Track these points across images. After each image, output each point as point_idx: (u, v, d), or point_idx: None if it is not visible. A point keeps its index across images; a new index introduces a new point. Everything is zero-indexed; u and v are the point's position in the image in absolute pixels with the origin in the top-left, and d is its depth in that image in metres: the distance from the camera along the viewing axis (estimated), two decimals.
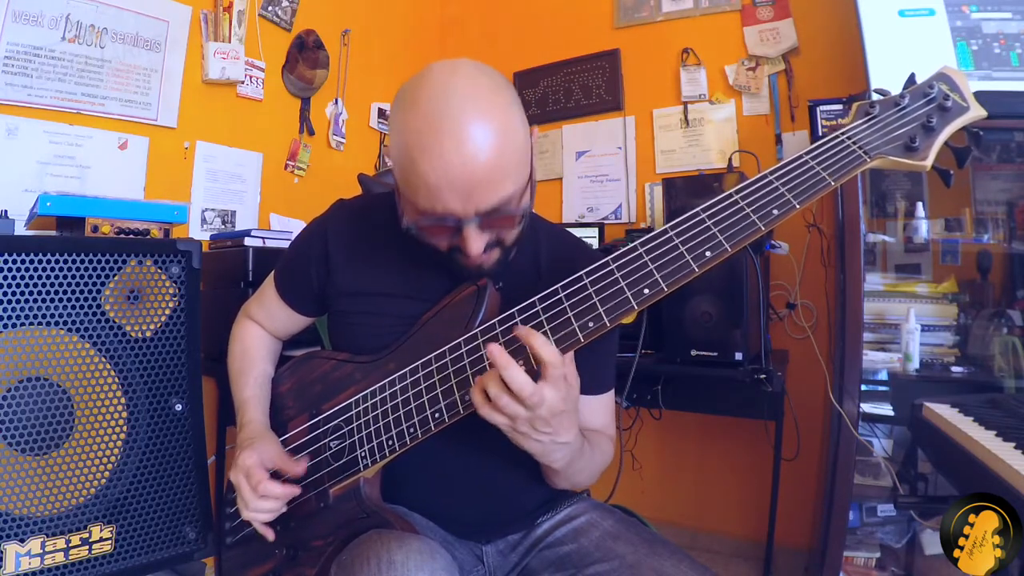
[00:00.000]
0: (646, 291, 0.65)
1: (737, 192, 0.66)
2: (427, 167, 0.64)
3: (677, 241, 0.66)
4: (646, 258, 0.66)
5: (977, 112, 0.68)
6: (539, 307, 0.69)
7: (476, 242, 0.69)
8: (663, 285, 0.64)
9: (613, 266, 0.67)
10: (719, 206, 0.66)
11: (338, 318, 0.88)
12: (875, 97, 0.72)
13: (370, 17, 2.41)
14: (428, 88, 0.66)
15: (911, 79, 0.71)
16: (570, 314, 0.67)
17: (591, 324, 0.66)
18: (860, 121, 0.69)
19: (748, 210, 0.65)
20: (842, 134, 0.68)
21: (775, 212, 0.64)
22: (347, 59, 2.30)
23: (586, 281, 0.67)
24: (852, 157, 0.66)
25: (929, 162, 0.66)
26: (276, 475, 0.79)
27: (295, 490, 0.77)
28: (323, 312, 0.94)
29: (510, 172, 0.67)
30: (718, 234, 0.65)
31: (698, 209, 0.66)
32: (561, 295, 0.68)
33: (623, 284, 0.66)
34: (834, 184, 0.65)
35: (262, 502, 0.76)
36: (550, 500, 0.90)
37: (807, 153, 0.67)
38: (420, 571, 0.63)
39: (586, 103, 2.43)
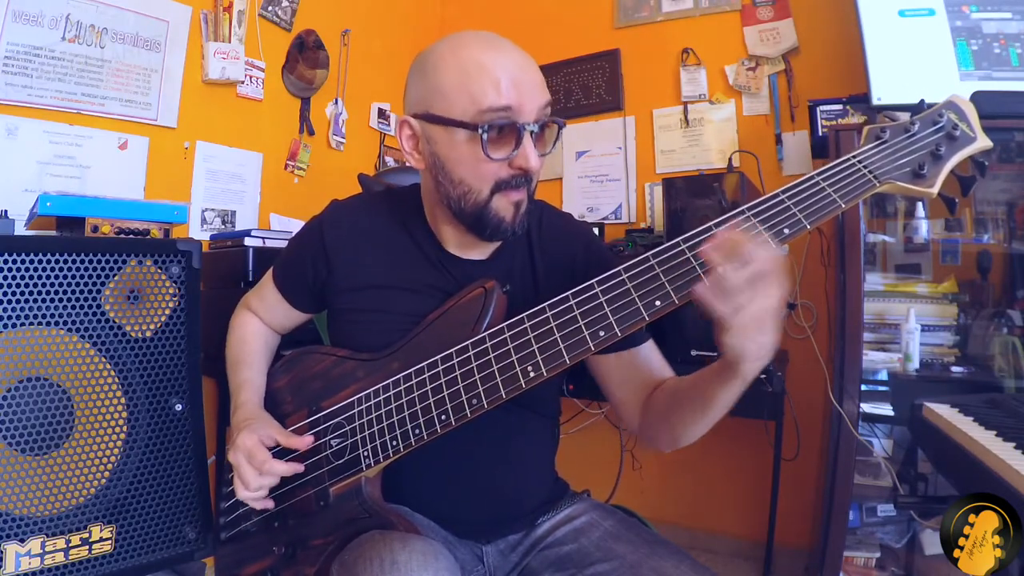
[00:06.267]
0: (657, 303, 0.65)
1: (750, 209, 0.66)
2: (494, 67, 0.73)
3: (689, 255, 0.66)
4: (658, 270, 0.66)
5: (984, 143, 0.69)
6: (549, 313, 0.69)
7: (533, 152, 0.74)
8: (674, 298, 0.65)
9: (625, 276, 0.67)
10: (731, 222, 0.66)
11: (339, 315, 0.88)
12: (885, 121, 0.72)
13: (370, 17, 2.41)
14: (464, 32, 0.78)
15: (921, 105, 0.72)
16: (581, 323, 0.67)
17: (602, 333, 0.66)
18: (871, 145, 0.69)
19: (761, 228, 0.65)
20: (853, 158, 0.68)
21: (786, 231, 0.65)
22: (347, 59, 2.30)
23: (597, 290, 0.68)
24: (862, 181, 0.67)
25: (936, 189, 0.68)
26: (278, 455, 0.79)
27: (299, 467, 0.78)
28: (320, 309, 0.95)
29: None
30: None
31: (710, 224, 0.66)
32: (572, 302, 0.69)
33: (635, 295, 0.66)
34: (844, 207, 0.66)
35: (263, 479, 0.77)
36: (550, 500, 0.90)
37: (819, 174, 0.67)
38: (424, 571, 0.63)
39: (586, 103, 2.43)
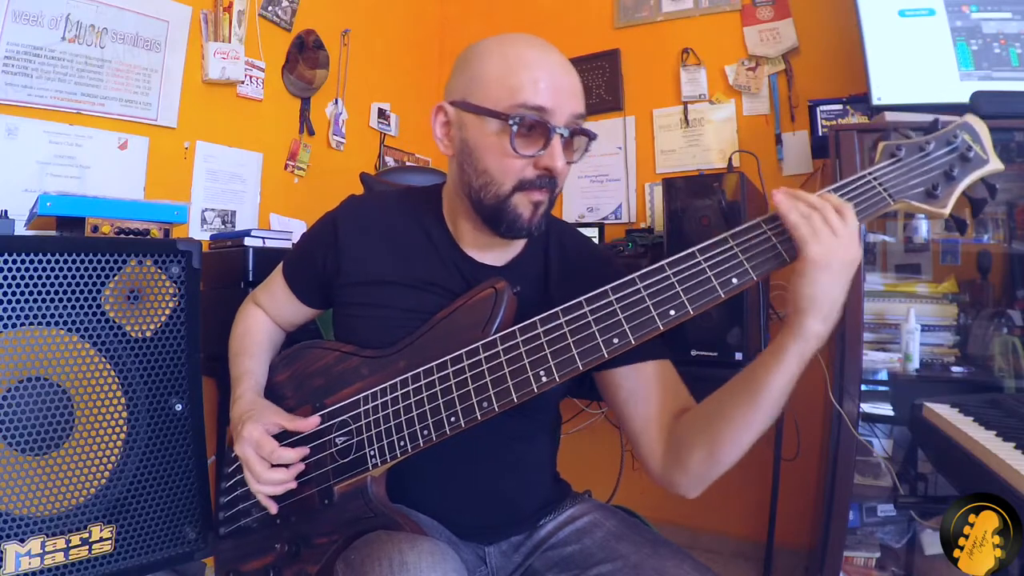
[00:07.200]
0: (672, 312, 0.66)
1: (765, 222, 0.67)
2: (536, 64, 0.74)
3: (705, 265, 0.66)
4: (673, 279, 0.66)
5: (996, 166, 0.70)
6: (563, 319, 0.69)
7: (560, 154, 0.74)
8: (689, 308, 0.65)
9: (640, 284, 0.67)
10: (748, 235, 0.67)
11: (343, 310, 0.88)
12: (898, 139, 0.73)
13: (370, 17, 2.41)
14: (515, 33, 0.80)
15: (935, 124, 0.72)
16: (594, 328, 0.67)
17: (616, 341, 0.66)
18: (886, 163, 0.70)
19: (775, 240, 0.65)
20: (869, 175, 0.69)
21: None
22: (347, 59, 2.30)
23: (612, 298, 0.68)
24: (877, 199, 0.68)
25: (948, 210, 0.68)
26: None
27: (305, 450, 0.78)
28: (327, 305, 0.94)
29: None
30: (745, 262, 0.65)
31: (726, 235, 0.67)
32: (585, 309, 0.69)
33: (649, 303, 0.66)
34: (860, 224, 0.66)
35: (273, 473, 0.76)
36: (552, 501, 0.90)
37: (835, 190, 0.68)
38: (432, 572, 0.63)
39: (586, 103, 2.43)
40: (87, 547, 1.12)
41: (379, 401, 0.77)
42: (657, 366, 0.81)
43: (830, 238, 0.63)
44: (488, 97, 0.75)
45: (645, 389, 0.81)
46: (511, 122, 0.72)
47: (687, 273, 0.66)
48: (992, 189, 0.71)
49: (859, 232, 0.64)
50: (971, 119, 0.71)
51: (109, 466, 1.15)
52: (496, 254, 0.85)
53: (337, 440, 0.78)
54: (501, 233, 0.79)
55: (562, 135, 0.74)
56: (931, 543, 1.58)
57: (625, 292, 0.68)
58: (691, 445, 0.74)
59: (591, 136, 0.79)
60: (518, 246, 0.87)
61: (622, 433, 2.09)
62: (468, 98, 0.77)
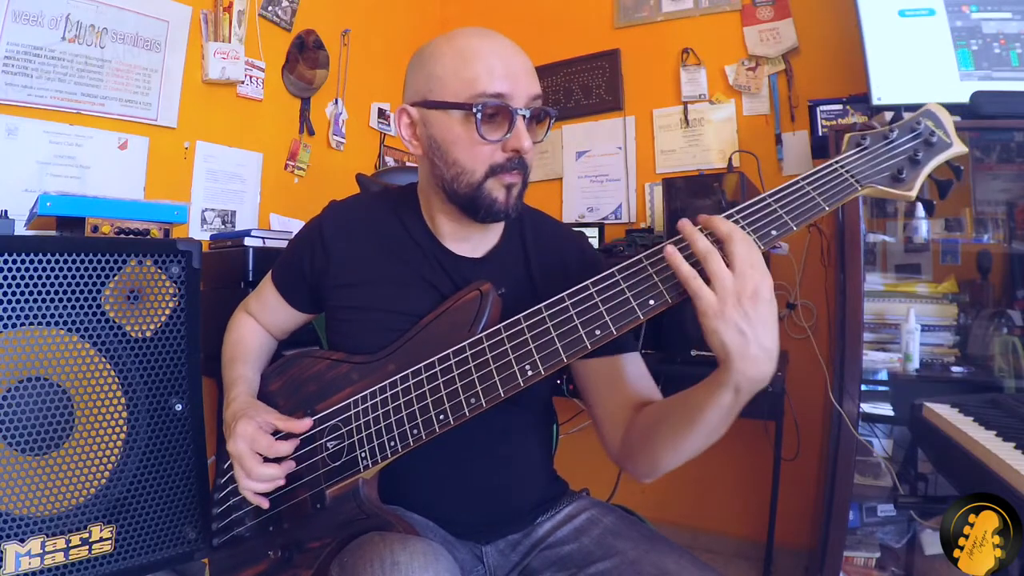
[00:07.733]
0: (651, 302, 0.66)
1: (738, 212, 0.68)
2: (488, 53, 0.76)
3: (683, 255, 0.66)
4: (651, 270, 0.67)
5: (959, 148, 0.73)
6: (545, 313, 0.70)
7: (526, 135, 0.76)
8: (668, 297, 0.66)
9: (619, 276, 0.68)
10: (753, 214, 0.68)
11: (334, 313, 0.88)
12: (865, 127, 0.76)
13: (370, 17, 2.41)
14: (458, 29, 0.81)
15: (899, 114, 0.76)
16: (577, 322, 0.68)
17: (598, 332, 0.67)
18: (852, 152, 0.72)
19: (748, 230, 0.67)
20: (836, 163, 0.71)
21: (773, 233, 0.68)
22: (347, 59, 2.30)
23: (592, 291, 0.69)
24: (844, 185, 0.70)
25: (914, 193, 0.71)
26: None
27: (297, 442, 0.79)
28: (318, 310, 0.95)
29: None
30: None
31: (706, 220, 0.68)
32: (568, 303, 0.70)
33: (629, 295, 0.67)
34: (828, 209, 0.68)
35: (266, 468, 0.76)
36: (549, 499, 0.90)
37: (804, 179, 0.70)
38: (425, 572, 0.63)
39: (586, 103, 2.43)
40: (87, 547, 1.12)
41: (368, 404, 0.77)
42: (626, 359, 0.86)
43: (725, 282, 0.60)
44: (447, 92, 0.77)
45: (613, 381, 0.85)
46: (475, 110, 0.74)
47: (663, 264, 0.67)
48: (957, 171, 0.74)
49: (763, 262, 0.62)
50: (933, 107, 0.74)
51: (109, 466, 1.15)
52: (475, 244, 0.87)
53: (328, 444, 0.79)
54: (480, 219, 0.81)
55: (524, 116, 0.76)
56: (931, 543, 1.58)
57: (605, 284, 0.69)
58: (638, 451, 0.79)
59: (552, 115, 0.82)
60: (495, 235, 0.89)
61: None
62: (428, 96, 0.79)
